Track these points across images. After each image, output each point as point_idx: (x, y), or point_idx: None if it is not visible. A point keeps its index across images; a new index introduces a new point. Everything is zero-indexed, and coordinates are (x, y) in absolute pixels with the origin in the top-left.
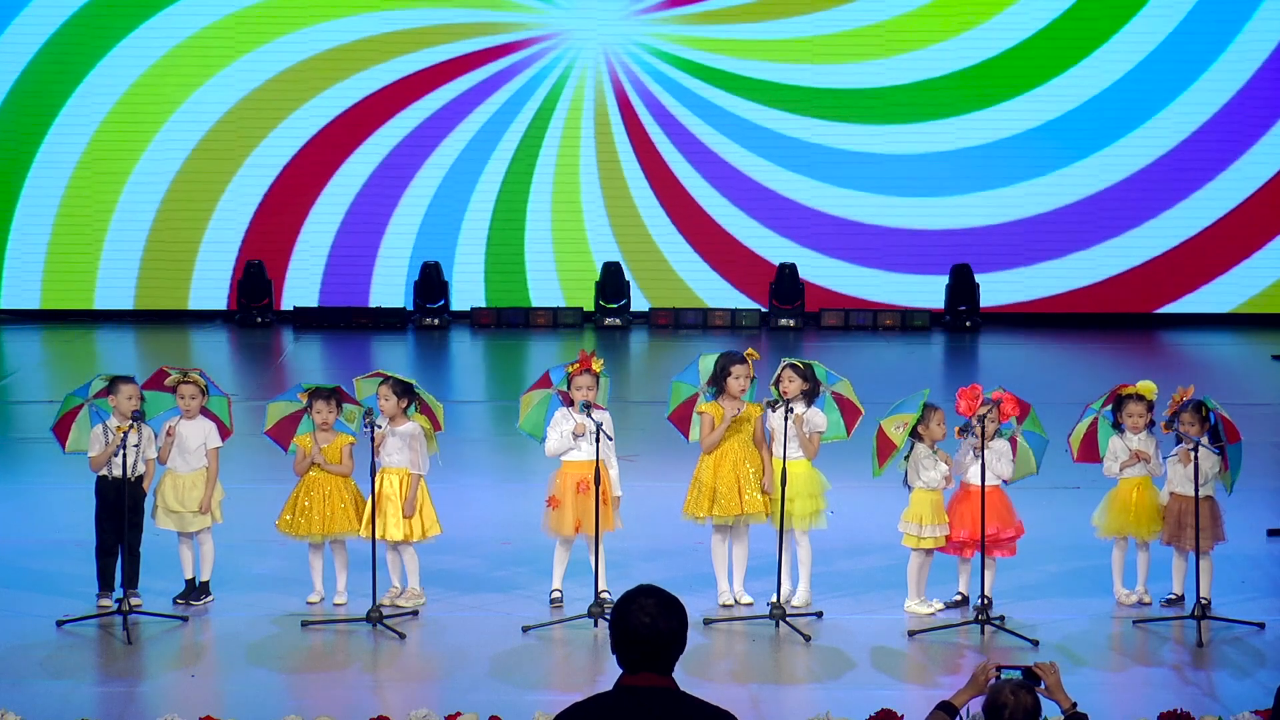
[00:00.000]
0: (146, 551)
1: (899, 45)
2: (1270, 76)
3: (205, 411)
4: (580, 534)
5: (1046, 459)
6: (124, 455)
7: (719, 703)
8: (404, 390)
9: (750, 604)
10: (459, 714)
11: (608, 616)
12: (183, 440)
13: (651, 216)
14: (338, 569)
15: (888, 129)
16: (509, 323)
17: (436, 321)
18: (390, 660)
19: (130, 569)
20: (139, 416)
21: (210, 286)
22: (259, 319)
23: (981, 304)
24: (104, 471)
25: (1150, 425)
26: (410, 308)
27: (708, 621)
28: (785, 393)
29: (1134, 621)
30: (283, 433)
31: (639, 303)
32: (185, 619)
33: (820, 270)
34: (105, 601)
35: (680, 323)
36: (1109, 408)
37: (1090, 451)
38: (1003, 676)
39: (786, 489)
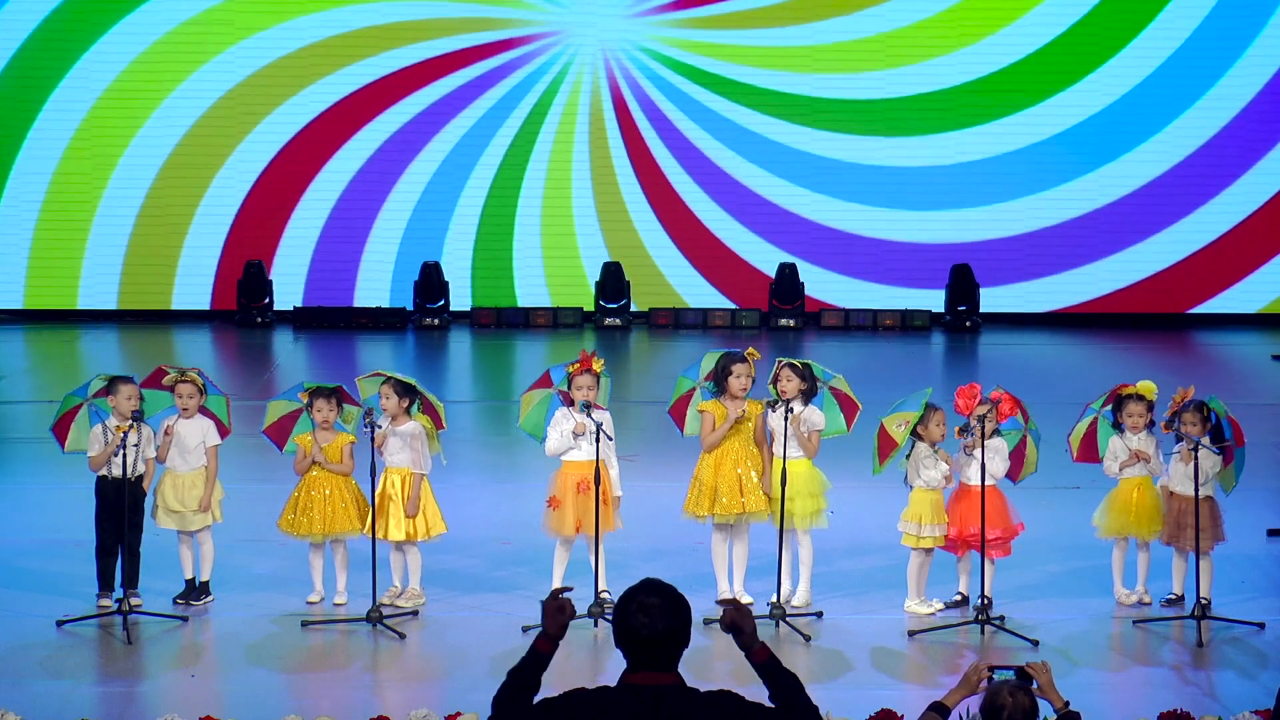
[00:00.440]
0: (146, 551)
1: (901, 57)
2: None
3: (204, 410)
4: (580, 534)
5: (1047, 459)
6: (124, 455)
7: None
8: (405, 390)
9: (750, 604)
10: (459, 714)
11: (608, 616)
12: (181, 439)
13: (643, 221)
14: (338, 569)
15: (886, 141)
16: (509, 323)
17: (436, 321)
18: (390, 660)
19: (130, 569)
20: (138, 416)
21: (193, 286)
22: (259, 319)
23: (983, 309)
24: (104, 471)
25: (1150, 425)
26: (410, 308)
27: (708, 621)
28: (783, 393)
29: (1134, 621)
30: (280, 431)
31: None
32: (185, 619)
33: (816, 282)
34: (105, 601)
35: (680, 323)
36: (1109, 408)
37: (1090, 451)
38: (996, 677)
39: (787, 488)
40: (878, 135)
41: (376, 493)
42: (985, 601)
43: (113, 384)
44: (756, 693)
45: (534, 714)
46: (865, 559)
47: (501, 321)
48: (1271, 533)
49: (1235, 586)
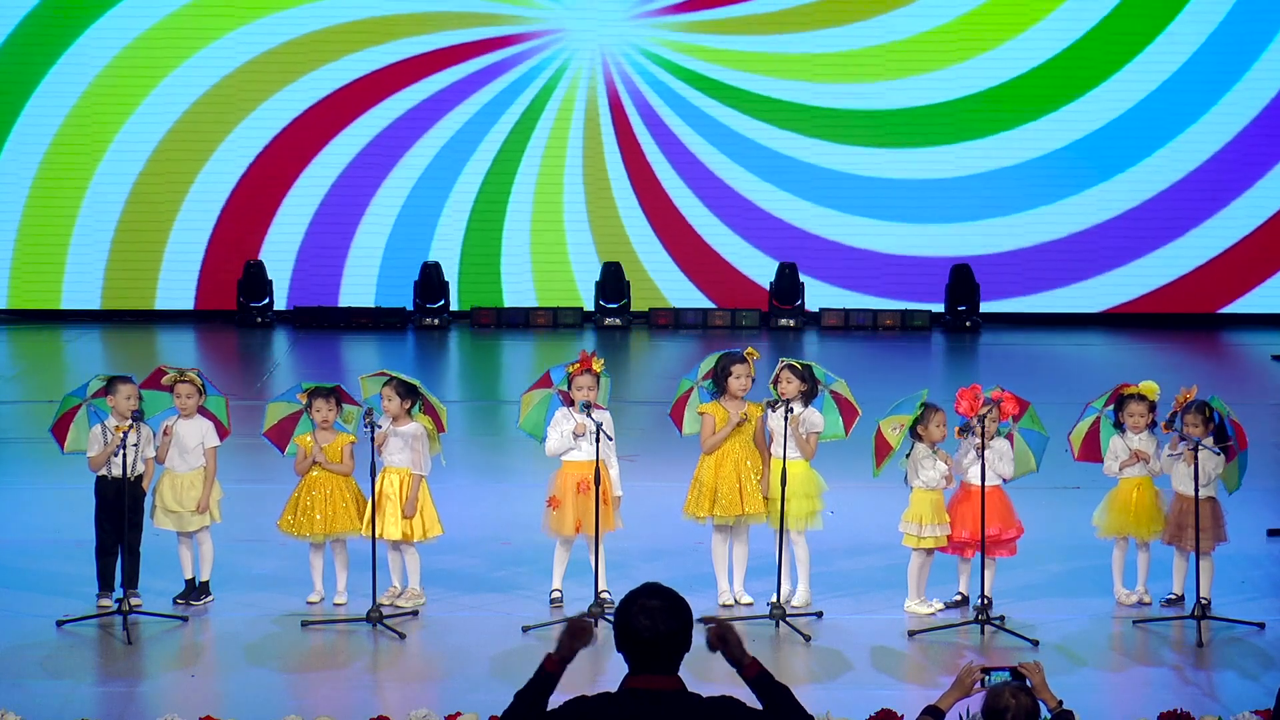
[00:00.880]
0: (146, 551)
1: (902, 68)
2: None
3: (203, 411)
4: (580, 534)
5: (1047, 459)
6: (123, 455)
7: None
8: (407, 391)
9: (750, 604)
10: (459, 714)
11: (608, 616)
12: (181, 440)
13: (633, 223)
14: (338, 569)
15: (883, 152)
16: (509, 323)
17: (436, 321)
18: (390, 660)
19: (130, 569)
20: (138, 416)
21: (177, 286)
22: (259, 319)
23: (983, 309)
24: (103, 471)
25: (1151, 425)
26: (410, 308)
27: (706, 621)
28: (783, 393)
29: (1134, 621)
30: (281, 434)
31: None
32: (185, 619)
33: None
34: (105, 601)
35: (680, 323)
36: (1110, 407)
37: (1092, 450)
38: (992, 677)
39: (785, 489)
40: (876, 146)
41: (375, 492)
42: (985, 601)
43: (112, 384)
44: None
45: None
46: (865, 559)
47: (501, 321)
48: (1271, 533)
49: (1235, 586)
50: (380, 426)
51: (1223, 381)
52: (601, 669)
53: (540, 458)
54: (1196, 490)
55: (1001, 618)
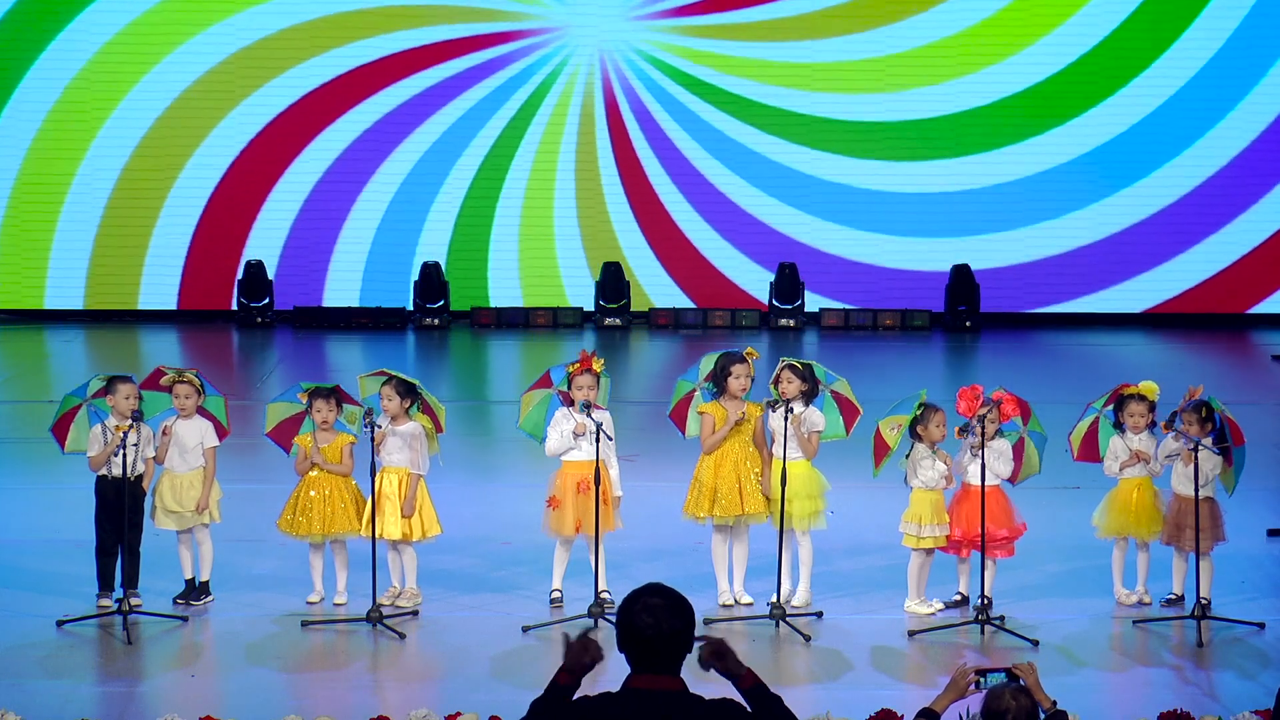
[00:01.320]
0: (146, 551)
1: (902, 81)
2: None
3: (202, 411)
4: (580, 534)
5: (1046, 459)
6: (123, 455)
7: None
8: (407, 390)
9: (750, 604)
10: (459, 714)
11: (608, 616)
12: (180, 440)
13: (623, 225)
14: (338, 569)
15: (878, 165)
16: (509, 323)
17: (436, 321)
18: (390, 660)
19: (130, 569)
20: (138, 416)
21: (159, 286)
22: (259, 319)
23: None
24: (103, 471)
25: (1151, 425)
26: (409, 307)
27: (708, 621)
28: (784, 393)
29: (1134, 621)
30: (284, 434)
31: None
32: (185, 619)
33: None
34: (105, 601)
35: (680, 323)
36: (1110, 407)
37: (1091, 450)
38: (988, 679)
39: (786, 489)
40: (875, 159)
41: (374, 492)
42: (985, 601)
43: (111, 384)
44: None
45: None
46: (865, 559)
47: (501, 322)
48: (1271, 533)
49: (1235, 586)
50: (379, 426)
51: (1224, 381)
52: (602, 668)
53: (540, 458)
54: (1196, 490)
55: (1001, 618)
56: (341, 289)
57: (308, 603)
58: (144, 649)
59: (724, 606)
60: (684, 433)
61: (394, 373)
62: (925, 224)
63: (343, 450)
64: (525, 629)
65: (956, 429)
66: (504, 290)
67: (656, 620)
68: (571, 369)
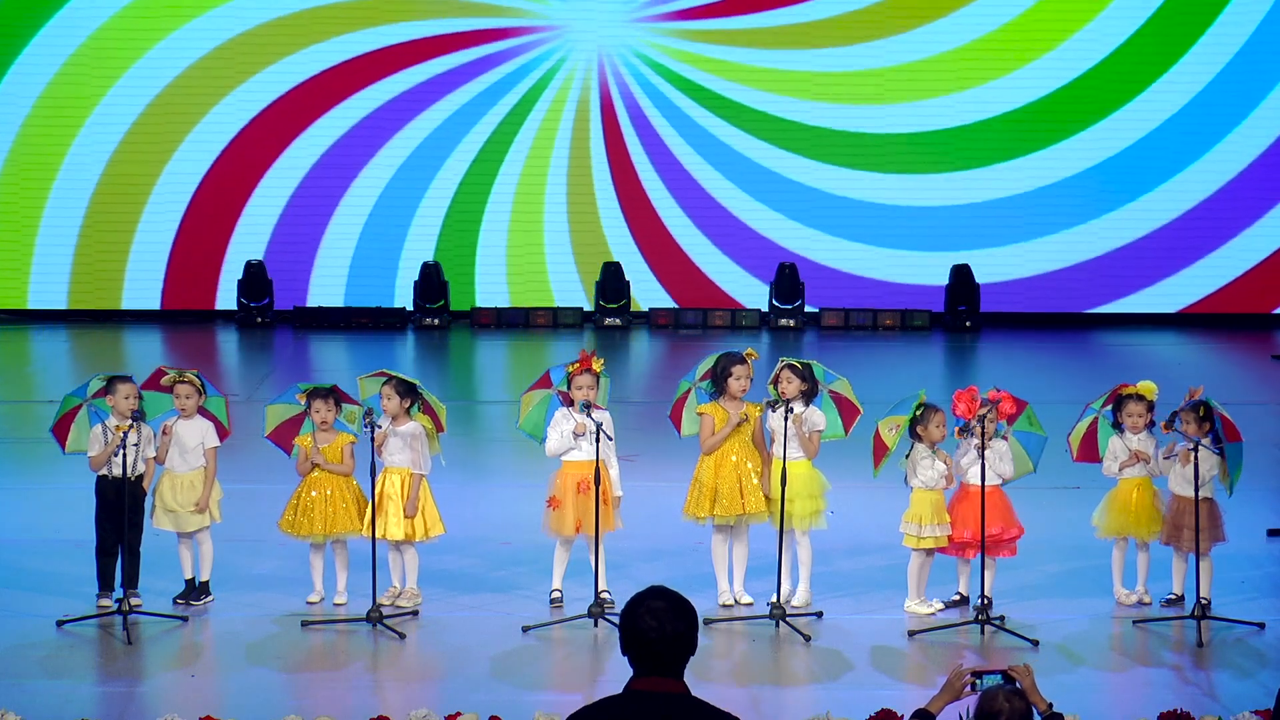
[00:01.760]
0: (146, 551)
1: (903, 93)
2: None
3: (203, 411)
4: (580, 534)
5: (1046, 459)
6: (124, 455)
7: (719, 704)
8: (407, 390)
9: (750, 604)
10: (459, 714)
11: (608, 617)
12: (180, 440)
13: (614, 230)
14: (338, 569)
15: (875, 176)
16: (509, 323)
17: (436, 321)
18: (390, 660)
19: (130, 569)
20: (138, 416)
21: (142, 285)
22: (259, 319)
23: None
24: (104, 471)
25: (1150, 425)
26: (410, 308)
27: (708, 621)
28: (784, 393)
29: (1134, 621)
30: (284, 436)
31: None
32: (185, 619)
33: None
34: (105, 601)
35: (680, 323)
36: (1109, 407)
37: (1090, 451)
38: (984, 681)
39: (787, 489)
40: (873, 171)
41: (376, 492)
42: (985, 601)
43: (111, 384)
44: (755, 693)
45: None
46: (865, 559)
47: (501, 322)
48: (1271, 533)
49: (1235, 586)
50: (380, 427)
51: (1223, 382)
52: (601, 669)
53: (540, 458)
54: (1196, 490)
55: (1001, 618)
56: (326, 288)
57: (308, 603)
58: (144, 649)
59: (724, 606)
60: (680, 432)
61: (394, 373)
62: (925, 237)
63: (343, 450)
64: (525, 629)
65: (957, 430)
66: (492, 290)
67: (660, 623)
68: (571, 369)
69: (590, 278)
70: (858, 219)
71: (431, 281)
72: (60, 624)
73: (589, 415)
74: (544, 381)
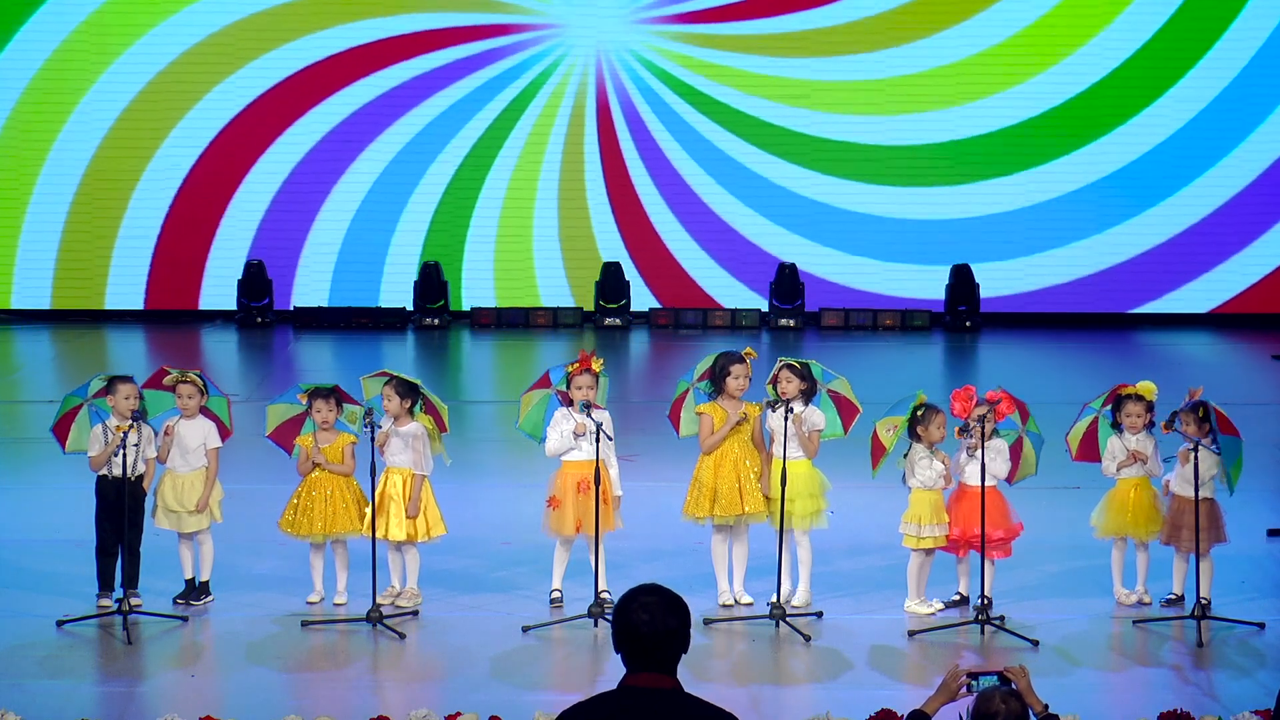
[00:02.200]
0: (146, 551)
1: (902, 104)
2: None
3: (205, 411)
4: (580, 534)
5: (1046, 459)
6: (124, 455)
7: (719, 703)
8: (408, 390)
9: (750, 604)
10: (459, 714)
11: (608, 617)
12: (182, 440)
13: (603, 232)
14: (338, 569)
15: (868, 188)
16: (509, 323)
17: (436, 321)
18: (390, 660)
19: (130, 569)
20: (138, 416)
21: (126, 284)
22: (259, 319)
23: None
24: (104, 471)
25: (1149, 426)
26: (412, 308)
27: (708, 621)
28: (783, 393)
29: (1134, 621)
30: (285, 436)
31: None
32: (185, 619)
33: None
34: (105, 601)
35: (680, 323)
36: (1108, 407)
37: (1090, 450)
38: (980, 682)
39: (787, 489)
40: (870, 183)
41: (377, 492)
42: (985, 601)
43: (112, 384)
44: (755, 692)
45: None
46: (865, 559)
47: (501, 322)
48: (1271, 533)
49: (1235, 586)
50: (380, 427)
51: (1223, 381)
52: (601, 669)
53: (540, 458)
54: (1196, 491)
55: (1001, 618)
56: (310, 289)
57: (308, 603)
58: (144, 649)
59: (724, 606)
60: (679, 432)
61: (395, 373)
62: (925, 250)
63: (344, 450)
64: (525, 629)
65: (956, 430)
66: (479, 290)
67: (652, 618)
68: (571, 369)
69: (577, 279)
70: (851, 230)
71: (431, 281)
72: (60, 624)
73: (589, 415)
74: (543, 381)
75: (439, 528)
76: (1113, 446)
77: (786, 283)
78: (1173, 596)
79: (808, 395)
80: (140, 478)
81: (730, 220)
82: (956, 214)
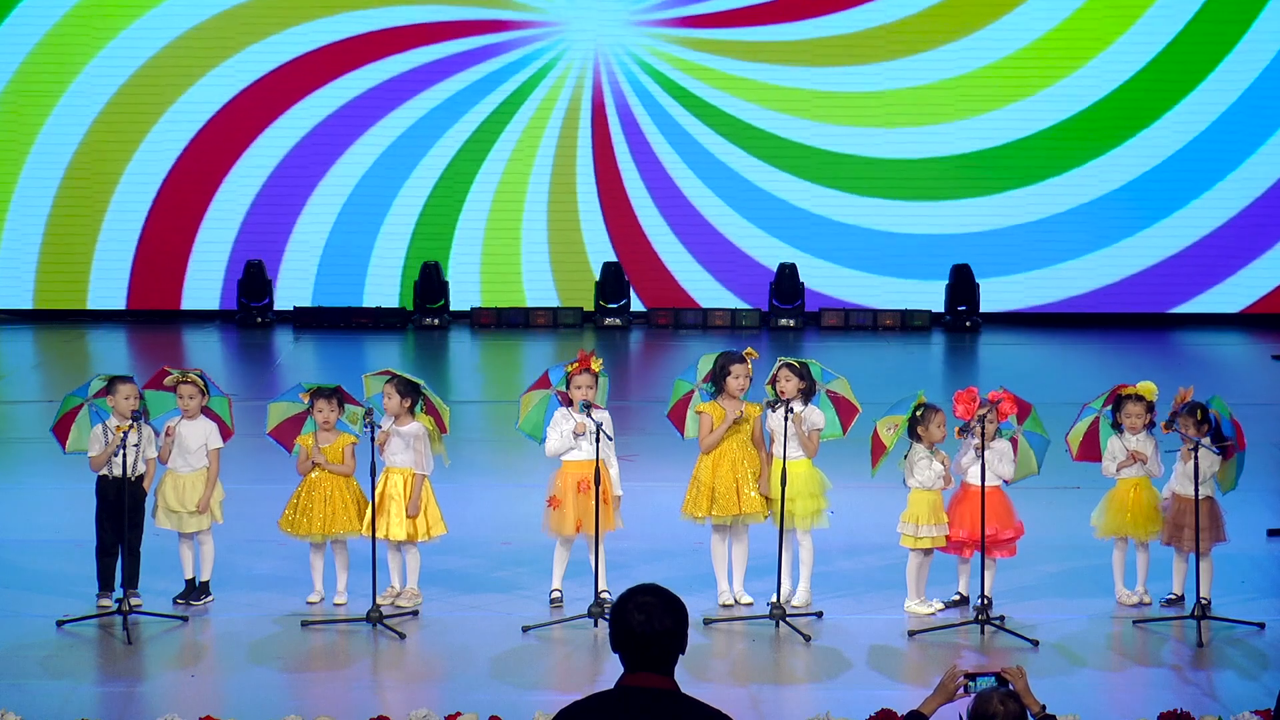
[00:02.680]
0: (146, 551)
1: (901, 118)
2: None
3: (207, 411)
4: (580, 534)
5: (1047, 459)
6: (124, 455)
7: (718, 703)
8: (408, 390)
9: (750, 604)
10: (459, 714)
11: (608, 617)
12: (183, 440)
13: (592, 233)
14: (338, 569)
15: (855, 199)
16: (509, 323)
17: (436, 321)
18: (390, 660)
19: (130, 569)
20: (139, 416)
21: (108, 284)
22: (259, 319)
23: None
24: (104, 471)
25: (1150, 426)
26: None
27: (708, 621)
28: (783, 392)
29: (1134, 621)
30: (285, 434)
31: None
32: (185, 619)
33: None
34: (105, 601)
35: (680, 323)
36: (1109, 407)
37: (1091, 450)
38: (978, 683)
39: (787, 489)
40: (866, 196)
41: (378, 492)
42: (985, 601)
43: (112, 384)
44: (755, 692)
45: None
46: (865, 559)
47: (501, 322)
48: (1271, 533)
49: (1235, 586)
50: (380, 427)
51: (1224, 382)
52: (601, 669)
53: (540, 458)
54: (1196, 491)
55: (1001, 618)
56: (292, 290)
57: (308, 603)
58: (144, 649)
59: (724, 606)
60: (682, 433)
61: (398, 372)
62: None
63: (344, 450)
64: (525, 629)
65: (957, 430)
66: (464, 290)
67: (649, 618)
68: (570, 369)
69: (564, 280)
70: (844, 241)
71: (431, 281)
72: (60, 624)
73: (589, 415)
74: (543, 382)
75: (439, 527)
76: (1113, 447)
77: (786, 283)
78: (1173, 596)
79: (807, 395)
80: (140, 478)
81: (720, 227)
82: (958, 228)
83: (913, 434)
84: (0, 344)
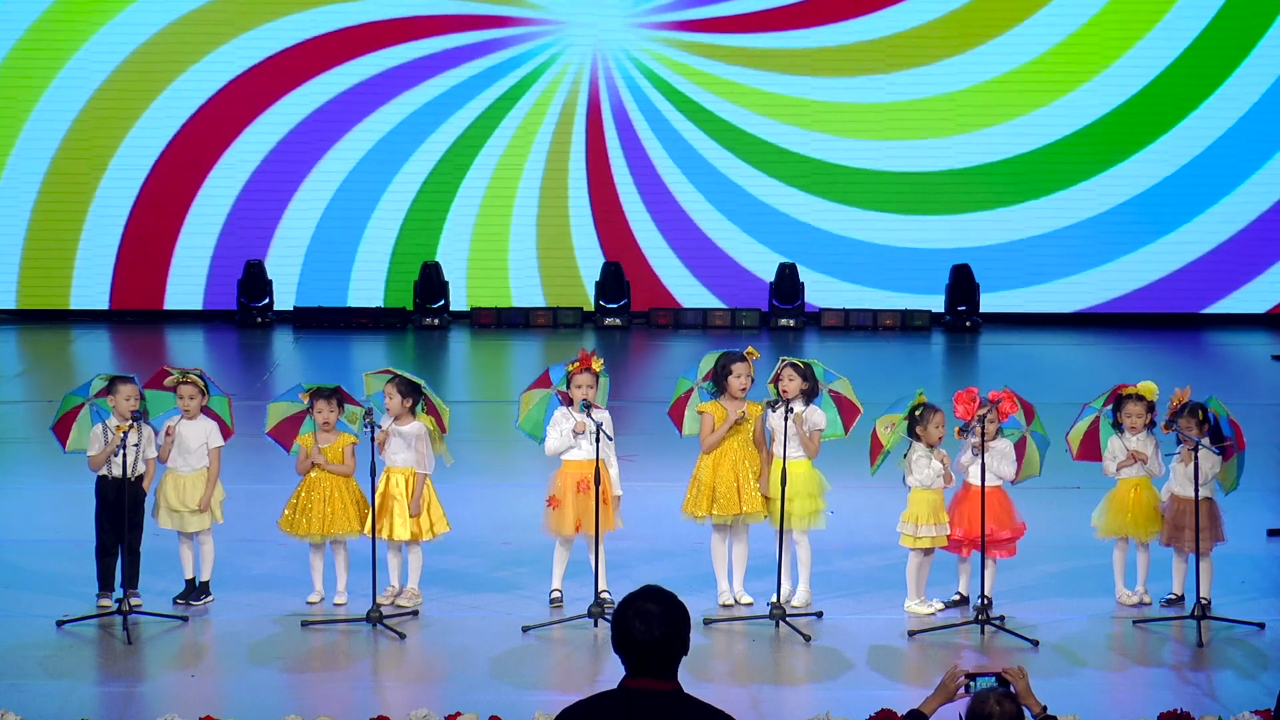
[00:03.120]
0: (146, 551)
1: (902, 130)
2: None
3: (208, 411)
4: (580, 534)
5: (1048, 459)
6: (124, 455)
7: (719, 703)
8: (409, 389)
9: (750, 604)
10: (459, 714)
11: (608, 617)
12: (183, 440)
13: (581, 234)
14: (338, 569)
15: (851, 212)
16: (509, 323)
17: (436, 321)
18: (390, 660)
19: (130, 569)
20: (139, 416)
21: (91, 284)
22: (259, 319)
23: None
24: (104, 471)
25: (1150, 426)
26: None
27: (708, 621)
28: (785, 392)
29: (1134, 621)
30: (285, 433)
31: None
32: (185, 619)
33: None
34: (105, 601)
35: (680, 323)
36: (1109, 407)
37: (1091, 450)
38: (978, 683)
39: (786, 489)
40: (863, 208)
41: (379, 493)
42: (985, 601)
43: (112, 384)
44: (755, 692)
45: None
46: (865, 559)
47: (501, 322)
48: (1271, 533)
49: (1235, 586)
50: (380, 427)
51: (1223, 382)
52: (601, 669)
53: (540, 458)
54: (1196, 491)
55: (1001, 618)
56: (279, 290)
57: (308, 603)
58: (144, 649)
59: (724, 606)
60: (681, 431)
61: (399, 371)
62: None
63: (344, 451)
64: (525, 629)
65: (957, 430)
66: (453, 289)
67: (648, 626)
68: (571, 368)
69: (551, 281)
70: (837, 251)
71: (431, 281)
72: (60, 624)
73: (589, 415)
74: (543, 381)
75: (442, 525)
76: (1113, 447)
77: (786, 282)
78: (1173, 596)
79: (809, 395)
80: (140, 478)
81: (710, 233)
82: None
83: (912, 434)
84: None
